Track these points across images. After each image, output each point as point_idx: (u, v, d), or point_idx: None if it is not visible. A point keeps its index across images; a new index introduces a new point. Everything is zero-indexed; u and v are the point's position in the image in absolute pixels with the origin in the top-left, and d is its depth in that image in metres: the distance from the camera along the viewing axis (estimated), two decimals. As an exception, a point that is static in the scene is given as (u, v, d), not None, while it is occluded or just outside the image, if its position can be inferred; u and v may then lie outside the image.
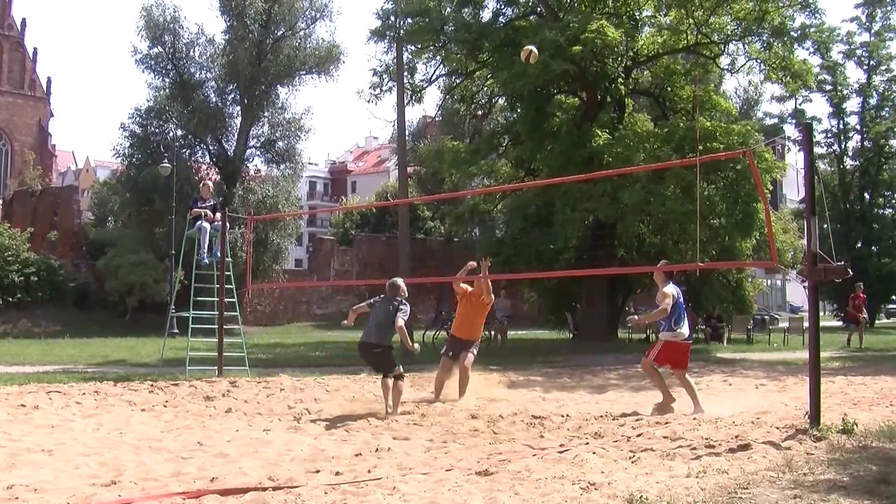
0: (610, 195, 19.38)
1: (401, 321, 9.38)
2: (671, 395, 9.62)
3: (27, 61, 56.37)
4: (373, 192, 55.74)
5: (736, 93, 44.86)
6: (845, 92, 41.35)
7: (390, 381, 9.40)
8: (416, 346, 10.05)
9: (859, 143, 42.24)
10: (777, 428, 7.82)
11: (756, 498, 5.18)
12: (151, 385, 11.64)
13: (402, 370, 9.62)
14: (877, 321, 41.51)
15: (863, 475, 5.70)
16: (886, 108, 41.01)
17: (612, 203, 19.43)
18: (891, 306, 46.96)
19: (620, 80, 21.89)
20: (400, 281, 9.89)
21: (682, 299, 9.63)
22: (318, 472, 6.35)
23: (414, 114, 63.85)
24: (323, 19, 34.85)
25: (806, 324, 9.77)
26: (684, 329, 9.52)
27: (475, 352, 11.04)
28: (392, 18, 24.12)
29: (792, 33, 21.73)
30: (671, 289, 9.40)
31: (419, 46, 23.63)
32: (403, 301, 9.65)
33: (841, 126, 41.98)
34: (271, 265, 34.10)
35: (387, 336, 9.55)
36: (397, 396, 9.45)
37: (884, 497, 5.16)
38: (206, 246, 14.20)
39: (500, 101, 25.68)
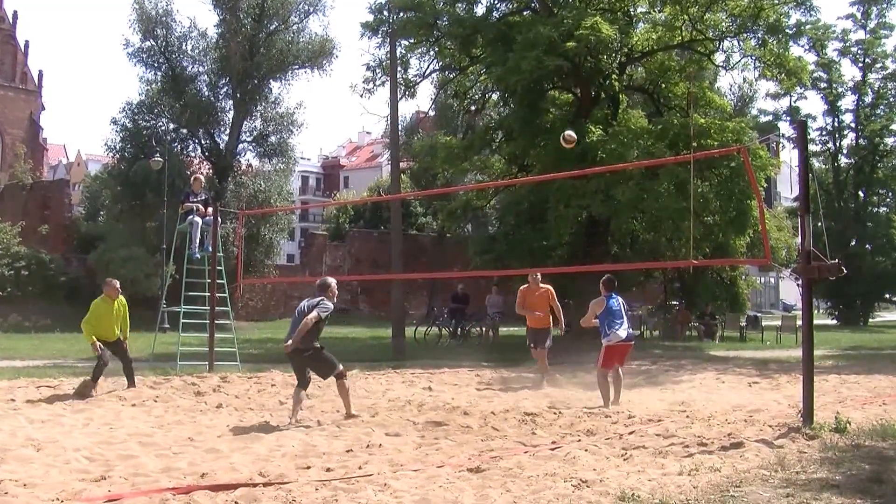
0: (603, 192, 19.33)
1: (314, 314, 8.77)
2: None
3: (18, 54, 56.00)
4: (365, 187, 55.60)
5: (730, 90, 44.78)
6: (840, 89, 41.46)
7: (339, 382, 9.07)
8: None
9: (854, 141, 42.34)
10: (770, 426, 7.84)
11: (748, 496, 5.17)
12: (142, 380, 11.58)
13: (342, 368, 9.19)
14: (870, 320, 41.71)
15: (855, 474, 5.70)
16: (881, 106, 41.09)
17: (605, 200, 19.38)
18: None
19: (614, 76, 21.80)
20: (330, 280, 9.35)
21: (618, 308, 10.90)
22: (308, 468, 6.33)
23: (407, 109, 64.02)
24: (316, 13, 34.61)
25: (799, 322, 9.76)
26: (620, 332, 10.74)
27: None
28: (385, 13, 24.00)
29: (787, 30, 21.71)
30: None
31: (412, 41, 23.51)
32: (328, 299, 9.01)
33: (836, 124, 42.10)
34: (263, 260, 33.90)
35: (309, 338, 8.87)
36: (346, 396, 9.15)
37: (876, 496, 5.15)
38: (197, 240, 14.13)
39: (494, 97, 25.58)
